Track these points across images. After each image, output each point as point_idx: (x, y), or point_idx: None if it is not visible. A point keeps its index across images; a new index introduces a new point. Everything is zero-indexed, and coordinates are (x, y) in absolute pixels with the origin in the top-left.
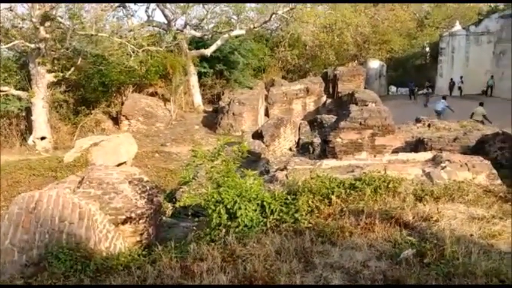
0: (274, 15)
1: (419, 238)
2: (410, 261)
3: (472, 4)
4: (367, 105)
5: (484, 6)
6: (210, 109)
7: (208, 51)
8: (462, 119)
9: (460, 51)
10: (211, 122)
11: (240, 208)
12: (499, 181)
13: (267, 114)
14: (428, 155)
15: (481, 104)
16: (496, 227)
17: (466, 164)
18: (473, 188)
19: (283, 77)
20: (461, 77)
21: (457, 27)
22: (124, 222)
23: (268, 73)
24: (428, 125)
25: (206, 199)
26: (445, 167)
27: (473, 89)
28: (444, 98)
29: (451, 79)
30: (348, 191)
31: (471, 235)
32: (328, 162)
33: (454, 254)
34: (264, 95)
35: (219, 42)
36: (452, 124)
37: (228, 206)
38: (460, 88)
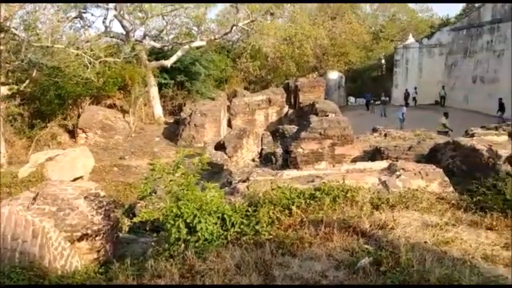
0: (234, 27)
1: (376, 246)
2: (367, 269)
3: (424, 17)
4: (327, 116)
5: (436, 20)
6: (171, 120)
7: (168, 62)
8: (416, 128)
9: (413, 63)
10: (172, 133)
11: (200, 222)
12: (451, 188)
13: (229, 125)
14: (384, 163)
15: (446, 115)
16: (449, 233)
17: (419, 172)
18: (427, 196)
19: (246, 88)
20: (415, 88)
21: (411, 40)
22: (80, 239)
23: (230, 84)
24: (385, 135)
25: (165, 214)
26: (400, 175)
27: (427, 99)
28: (405, 106)
29: (406, 90)
30: (308, 201)
31: (425, 242)
32: (289, 173)
33: (409, 262)
34: (226, 106)
35: (179, 53)
36: (407, 133)
37: (188, 220)
38: (414, 98)
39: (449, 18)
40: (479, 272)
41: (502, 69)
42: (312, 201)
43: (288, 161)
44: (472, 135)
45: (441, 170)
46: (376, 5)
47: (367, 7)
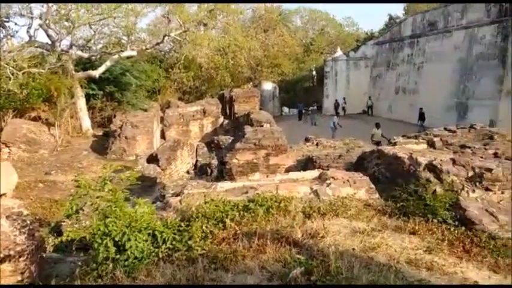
0: (166, 37)
1: (308, 255)
2: (299, 280)
3: (351, 31)
4: (262, 126)
5: (362, 34)
6: (101, 133)
7: (96, 73)
8: (346, 137)
9: (342, 74)
10: (101, 146)
11: (129, 240)
12: (376, 195)
13: (163, 136)
14: (315, 173)
15: (377, 125)
16: (376, 239)
17: (348, 180)
18: (355, 203)
19: (180, 99)
20: (344, 98)
21: (339, 52)
22: (2, 261)
23: (163, 95)
24: (317, 144)
25: (92, 232)
26: (330, 184)
27: (355, 109)
28: (335, 115)
29: (336, 100)
30: (242, 213)
31: (353, 249)
32: (223, 185)
33: (338, 269)
34: (159, 117)
35: (108, 63)
36: (337, 142)
37: (116, 239)
38: (343, 108)
39: (374, 33)
40: (404, 277)
41: (421, 81)
42: (245, 213)
43: (224, 172)
44: (395, 144)
45: (367, 177)
46: (306, 19)
47: (297, 20)
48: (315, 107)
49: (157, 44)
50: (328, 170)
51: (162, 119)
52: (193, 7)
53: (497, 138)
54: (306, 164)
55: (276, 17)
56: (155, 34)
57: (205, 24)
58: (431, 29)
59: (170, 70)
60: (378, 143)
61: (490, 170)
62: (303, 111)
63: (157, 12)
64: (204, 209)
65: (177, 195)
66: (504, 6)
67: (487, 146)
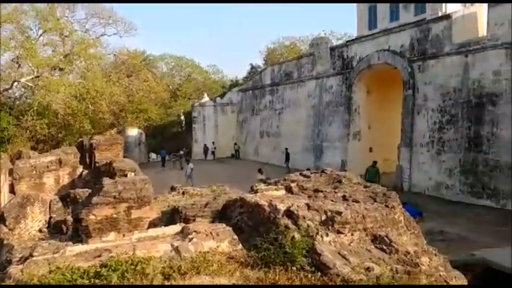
0: (16, 83)
1: None
2: None
3: (216, 78)
4: (126, 175)
5: (227, 81)
6: None
7: None
8: (215, 182)
9: (210, 119)
10: None
11: None
12: (239, 246)
13: (12, 191)
14: (177, 227)
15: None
16: None
17: (211, 233)
18: (218, 257)
19: (33, 148)
20: (213, 143)
21: (206, 98)
22: None
23: (13, 144)
24: (183, 193)
25: None
26: (193, 238)
27: (224, 153)
28: (187, 161)
29: (205, 145)
30: (93, 280)
31: None
32: (73, 249)
33: None
34: (8, 170)
35: None
36: (204, 189)
37: None
38: (213, 152)
39: (238, 80)
40: None
41: (282, 125)
42: (97, 281)
43: (79, 230)
44: (256, 191)
45: (231, 228)
46: (172, 65)
47: (163, 66)
48: (184, 152)
49: (6, 90)
50: (194, 220)
51: (11, 172)
52: (47, 51)
53: (344, 182)
54: (172, 215)
55: (140, 62)
56: (4, 79)
57: (61, 69)
58: (288, 79)
59: (22, 117)
60: None
61: (339, 213)
62: (166, 157)
63: (6, 56)
64: (48, 280)
65: (25, 259)
66: (346, 60)
67: (337, 189)
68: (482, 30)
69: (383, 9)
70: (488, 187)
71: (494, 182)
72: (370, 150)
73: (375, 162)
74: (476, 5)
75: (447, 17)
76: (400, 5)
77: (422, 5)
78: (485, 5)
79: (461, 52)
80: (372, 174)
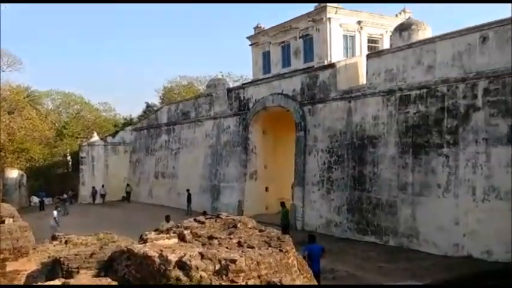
0: None
1: None
2: None
3: (108, 116)
4: (3, 222)
5: (120, 119)
6: None
7: None
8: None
9: (99, 160)
10: None
11: None
12: None
13: None
14: (56, 284)
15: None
16: None
17: None
18: None
19: None
20: (102, 185)
21: (95, 137)
22: None
23: None
24: (66, 242)
25: None
26: None
27: (115, 196)
28: (57, 208)
29: (93, 187)
30: None
31: None
32: None
33: None
34: None
35: None
36: (89, 238)
37: None
38: (102, 195)
39: (132, 118)
40: None
41: (179, 165)
42: None
43: None
44: (146, 240)
45: (116, 282)
46: (59, 102)
47: (49, 103)
48: (69, 195)
49: None
50: (78, 272)
51: None
52: None
53: (240, 226)
54: (53, 267)
55: (23, 98)
56: None
57: None
58: (185, 118)
59: None
60: None
61: (234, 261)
62: (45, 200)
63: None
64: None
65: None
66: (243, 101)
67: (232, 235)
68: (363, 79)
69: (276, 55)
70: (372, 224)
71: (377, 219)
72: (266, 189)
73: (282, 203)
74: (357, 55)
75: (332, 65)
76: (291, 52)
77: (310, 54)
78: (364, 57)
79: (345, 98)
80: (284, 216)
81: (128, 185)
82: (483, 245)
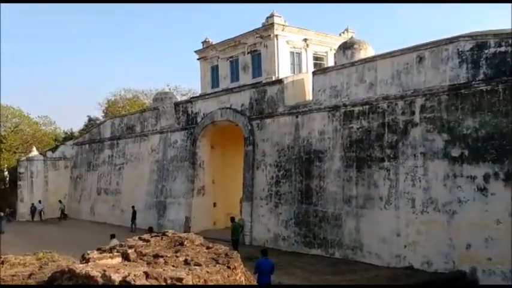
0: None
1: None
2: None
3: (48, 130)
4: None
5: (60, 133)
6: None
7: None
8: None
9: (39, 175)
10: None
11: None
12: None
13: None
14: None
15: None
16: None
17: None
18: None
19: None
20: (39, 201)
21: (34, 152)
22: None
23: None
24: (2, 262)
25: None
26: None
27: (55, 213)
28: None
29: (32, 204)
30: None
31: None
32: None
33: None
34: None
35: None
36: (28, 258)
37: None
38: (40, 213)
39: (74, 132)
40: None
41: (123, 181)
42: None
43: None
44: (88, 260)
45: None
46: None
47: None
48: (7, 213)
49: None
50: None
51: None
52: None
53: (187, 244)
54: None
55: None
56: None
57: None
58: (130, 132)
59: None
60: None
61: (180, 279)
62: None
63: None
64: None
65: None
66: (191, 116)
67: (178, 253)
68: (309, 95)
69: (224, 70)
70: (318, 237)
71: (323, 232)
72: (214, 205)
73: (232, 218)
74: (303, 72)
75: (280, 81)
76: (240, 67)
77: (258, 69)
78: (310, 73)
79: (292, 113)
80: (235, 231)
81: (59, 201)
82: (423, 255)
